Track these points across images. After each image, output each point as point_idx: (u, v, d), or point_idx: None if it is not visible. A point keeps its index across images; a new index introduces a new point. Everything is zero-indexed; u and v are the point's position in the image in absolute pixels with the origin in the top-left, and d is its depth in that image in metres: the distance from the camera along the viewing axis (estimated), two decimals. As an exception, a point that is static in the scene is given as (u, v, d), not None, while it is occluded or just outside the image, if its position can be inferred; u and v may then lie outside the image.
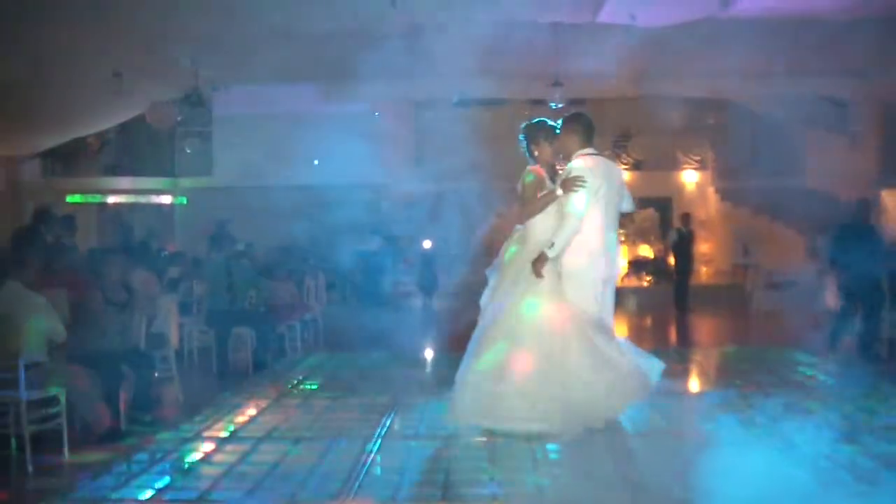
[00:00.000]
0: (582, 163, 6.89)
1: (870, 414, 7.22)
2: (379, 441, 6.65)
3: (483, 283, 7.30)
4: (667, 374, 7.29)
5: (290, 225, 17.90)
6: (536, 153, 7.22)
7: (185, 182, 20.90)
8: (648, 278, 19.90)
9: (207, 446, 6.64)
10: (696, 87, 19.09)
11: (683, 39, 15.10)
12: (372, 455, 6.27)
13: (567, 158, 7.08)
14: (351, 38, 15.15)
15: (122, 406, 7.52)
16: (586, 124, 7.15)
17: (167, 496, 5.50)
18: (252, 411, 7.88)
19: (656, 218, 22.54)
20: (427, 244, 18.31)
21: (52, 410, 6.90)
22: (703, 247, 19.93)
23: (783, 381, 9.09)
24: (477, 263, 19.44)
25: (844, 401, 7.67)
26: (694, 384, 9.57)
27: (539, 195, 6.89)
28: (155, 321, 8.85)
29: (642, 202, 24.20)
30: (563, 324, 6.72)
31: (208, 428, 7.26)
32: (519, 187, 7.14)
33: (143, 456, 6.50)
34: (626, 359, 6.80)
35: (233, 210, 18.26)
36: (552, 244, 6.70)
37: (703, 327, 15.35)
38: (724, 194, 21.88)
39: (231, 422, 7.46)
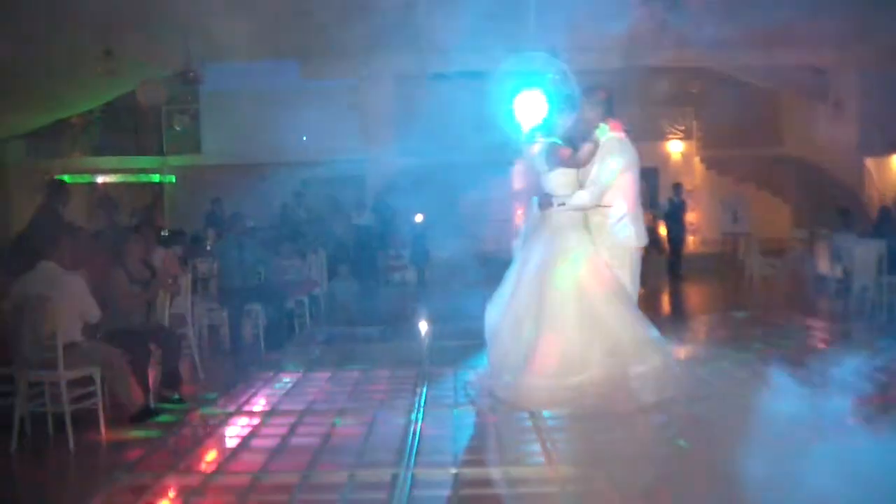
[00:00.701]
0: (618, 135, 7.02)
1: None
2: (421, 410, 6.74)
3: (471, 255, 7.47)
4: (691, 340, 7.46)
5: (280, 201, 17.90)
6: (560, 122, 7.36)
7: (174, 160, 20.77)
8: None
9: (252, 421, 6.69)
10: (680, 58, 19.19)
11: (667, 10, 15.24)
12: (419, 424, 6.36)
13: (589, 129, 7.21)
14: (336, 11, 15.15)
15: (150, 384, 7.56)
16: (608, 97, 7.30)
17: (231, 469, 5.53)
18: (287, 385, 7.93)
19: (644, 188, 22.62)
20: (418, 218, 18.33)
21: (89, 389, 6.93)
22: (690, 216, 20.12)
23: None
24: (465, 236, 19.71)
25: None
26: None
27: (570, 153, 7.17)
28: (175, 300, 8.85)
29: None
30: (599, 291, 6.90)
31: (247, 403, 7.30)
32: (540, 160, 7.27)
33: (190, 432, 6.52)
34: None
35: (223, 187, 18.27)
36: (562, 202, 7.05)
37: (702, 295, 15.53)
38: (710, 163, 22.07)
39: (269, 396, 7.51)
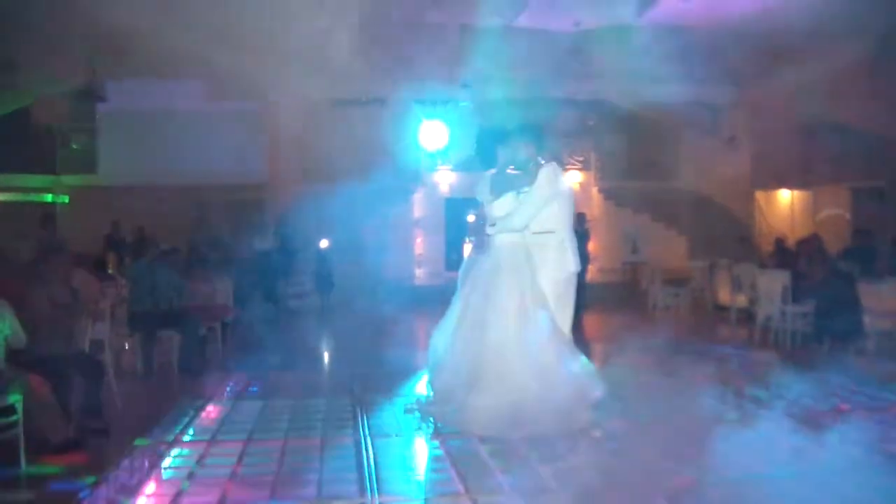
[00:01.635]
0: (551, 165, 7.32)
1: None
2: (367, 439, 6.63)
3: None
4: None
5: (178, 224, 17.49)
6: (500, 157, 7.51)
7: (68, 179, 20.03)
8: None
9: (195, 450, 6.44)
10: (580, 90, 19.65)
11: (573, 45, 15.63)
12: (369, 453, 6.24)
13: (524, 160, 7.39)
14: (246, 34, 15.03)
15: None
16: (541, 135, 7.58)
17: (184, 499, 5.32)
18: (221, 414, 7.68)
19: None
20: (323, 243, 18.17)
21: (11, 419, 6.55)
22: (590, 245, 20.47)
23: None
24: (370, 261, 19.62)
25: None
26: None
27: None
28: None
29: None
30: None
31: (183, 433, 7.03)
32: (483, 189, 7.40)
33: (129, 463, 6.22)
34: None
35: (118, 210, 17.74)
36: (493, 223, 7.31)
37: (609, 324, 15.73)
38: (607, 194, 22.51)
39: (205, 425, 7.26)
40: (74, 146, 19.54)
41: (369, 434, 6.80)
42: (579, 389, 6.98)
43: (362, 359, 10.99)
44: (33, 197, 19.92)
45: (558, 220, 7.38)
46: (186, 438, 6.83)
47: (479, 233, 7.43)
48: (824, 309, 11.55)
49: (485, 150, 7.68)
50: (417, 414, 7.35)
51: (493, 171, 7.53)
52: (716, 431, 6.33)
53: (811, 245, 13.53)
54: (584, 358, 7.24)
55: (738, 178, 20.60)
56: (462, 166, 24.32)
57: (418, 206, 23.30)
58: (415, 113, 21.90)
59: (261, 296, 16.23)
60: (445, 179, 24.19)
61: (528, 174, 7.32)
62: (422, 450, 6.43)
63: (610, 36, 15.23)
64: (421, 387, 8.46)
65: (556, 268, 7.34)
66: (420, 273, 23.01)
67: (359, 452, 6.26)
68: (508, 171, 7.48)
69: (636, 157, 21.47)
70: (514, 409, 6.58)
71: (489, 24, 13.94)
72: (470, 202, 24.69)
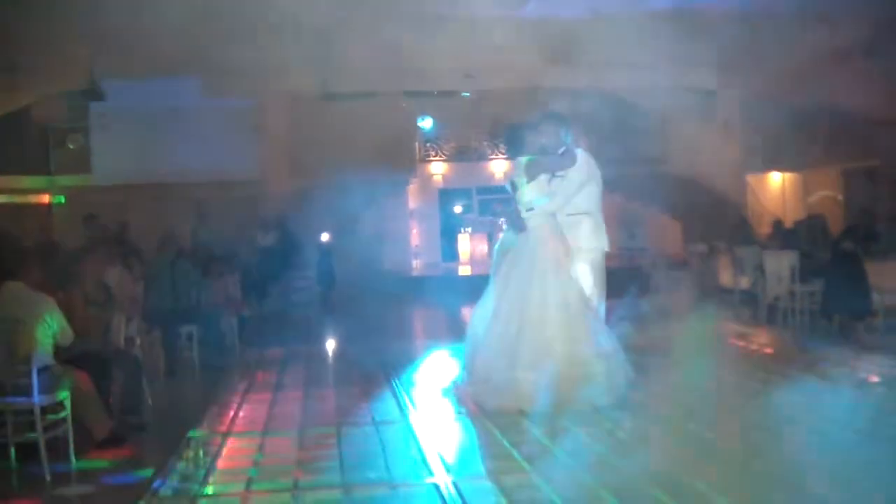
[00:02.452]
0: (585, 153, 7.58)
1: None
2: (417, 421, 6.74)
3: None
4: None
5: (175, 222, 17.44)
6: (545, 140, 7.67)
7: (63, 180, 19.93)
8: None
9: (251, 440, 6.50)
10: (570, 78, 19.73)
11: (570, 32, 15.70)
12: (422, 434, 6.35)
13: (552, 147, 7.55)
14: (233, 31, 15.04)
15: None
16: (567, 121, 7.84)
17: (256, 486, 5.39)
18: (264, 405, 7.75)
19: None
20: (324, 237, 18.21)
21: (60, 416, 6.61)
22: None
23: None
24: (368, 254, 19.70)
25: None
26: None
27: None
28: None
29: (521, 191, 24.92)
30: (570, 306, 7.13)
31: (233, 424, 7.10)
32: (518, 173, 7.54)
33: (190, 454, 6.29)
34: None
35: (114, 208, 17.67)
36: (531, 207, 7.45)
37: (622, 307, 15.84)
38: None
39: (253, 416, 7.34)
40: (71, 146, 19.45)
41: (416, 416, 6.89)
42: (612, 367, 7.13)
43: (381, 347, 11.12)
44: (31, 198, 19.84)
45: (591, 203, 7.68)
46: (238, 429, 6.88)
47: (514, 215, 7.56)
48: (833, 288, 11.75)
49: (514, 138, 7.82)
50: (457, 395, 7.48)
51: (524, 156, 7.64)
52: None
53: (814, 226, 13.73)
54: (615, 337, 7.39)
55: (729, 163, 20.78)
56: (455, 157, 24.48)
57: (413, 197, 23.40)
58: (407, 104, 22.01)
59: (263, 291, 16.33)
60: (439, 170, 24.32)
61: (562, 159, 7.46)
62: (471, 429, 6.49)
63: (604, 23, 15.28)
64: (454, 368, 8.60)
65: (590, 248, 7.64)
66: (417, 264, 23.13)
67: (412, 435, 6.34)
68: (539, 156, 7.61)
69: (628, 143, 21.58)
70: (554, 384, 6.70)
71: (493, 14, 13.97)
72: (464, 192, 24.97)
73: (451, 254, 24.41)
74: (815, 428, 5.99)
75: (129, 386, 7.63)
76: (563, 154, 7.59)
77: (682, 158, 21.33)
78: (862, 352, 9.27)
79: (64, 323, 6.90)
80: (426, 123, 21.44)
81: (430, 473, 5.41)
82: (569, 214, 7.57)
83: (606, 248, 7.71)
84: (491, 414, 6.76)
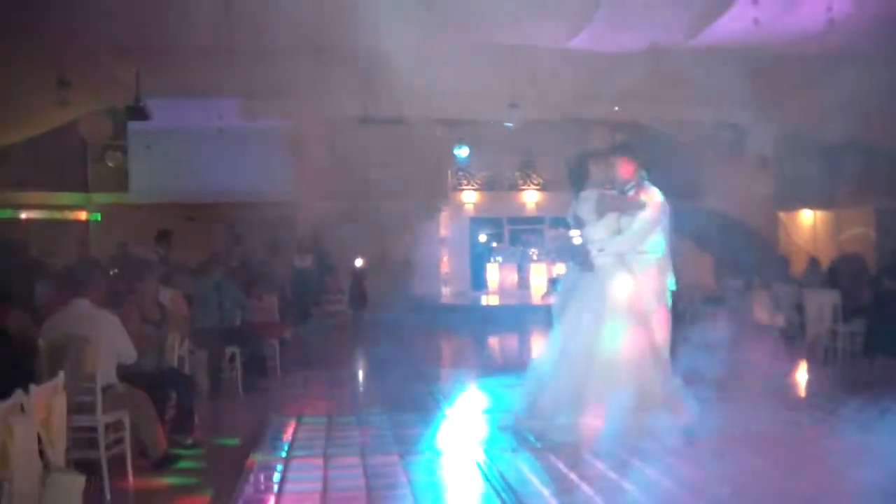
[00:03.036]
0: (657, 191, 7.40)
1: None
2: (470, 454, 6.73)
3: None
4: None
5: (211, 242, 17.53)
6: (590, 175, 7.62)
7: (100, 198, 20.09)
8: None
9: (315, 466, 6.49)
10: (608, 111, 19.78)
11: (612, 65, 15.71)
12: (494, 467, 6.33)
13: (621, 183, 7.51)
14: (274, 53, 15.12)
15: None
16: (641, 153, 7.64)
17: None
18: (318, 429, 7.75)
19: (566, 236, 23.21)
20: (358, 262, 18.29)
21: (120, 434, 6.62)
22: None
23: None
24: (399, 279, 19.74)
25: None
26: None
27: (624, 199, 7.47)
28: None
29: (553, 222, 24.97)
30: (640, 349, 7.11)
31: (293, 447, 7.10)
32: (586, 209, 7.50)
33: (250, 478, 6.28)
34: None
35: (151, 227, 17.76)
36: (601, 248, 7.36)
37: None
38: (635, 214, 22.57)
39: (310, 440, 7.34)
40: (110, 164, 19.61)
41: (481, 448, 6.87)
42: (673, 408, 7.10)
43: (426, 374, 11.14)
44: (68, 214, 20.00)
45: (658, 242, 7.60)
46: (297, 454, 6.87)
47: (581, 253, 7.50)
48: (876, 328, 11.70)
49: (579, 168, 7.73)
50: (515, 430, 7.43)
51: (590, 190, 7.58)
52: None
53: (854, 265, 13.68)
54: (678, 379, 7.36)
55: (762, 199, 20.76)
56: (486, 186, 24.55)
57: (444, 225, 23.45)
58: (440, 132, 22.09)
59: (306, 314, 16.37)
60: (471, 199, 24.39)
61: (636, 201, 7.46)
62: (538, 465, 6.47)
63: (646, 58, 15.31)
64: (507, 401, 8.60)
65: (658, 288, 7.52)
66: (446, 292, 23.14)
67: (478, 467, 6.34)
68: (607, 191, 7.56)
69: (663, 177, 21.57)
70: (619, 422, 6.68)
71: (540, 45, 13.99)
72: (495, 221, 24.99)
73: (480, 283, 24.43)
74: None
75: (182, 406, 7.65)
76: (633, 190, 7.48)
77: (716, 193, 21.30)
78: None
79: (127, 341, 6.93)
80: (462, 152, 21.45)
81: (506, 504, 5.39)
82: (638, 253, 7.46)
83: (674, 288, 7.62)
84: (554, 449, 6.71)
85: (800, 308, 13.51)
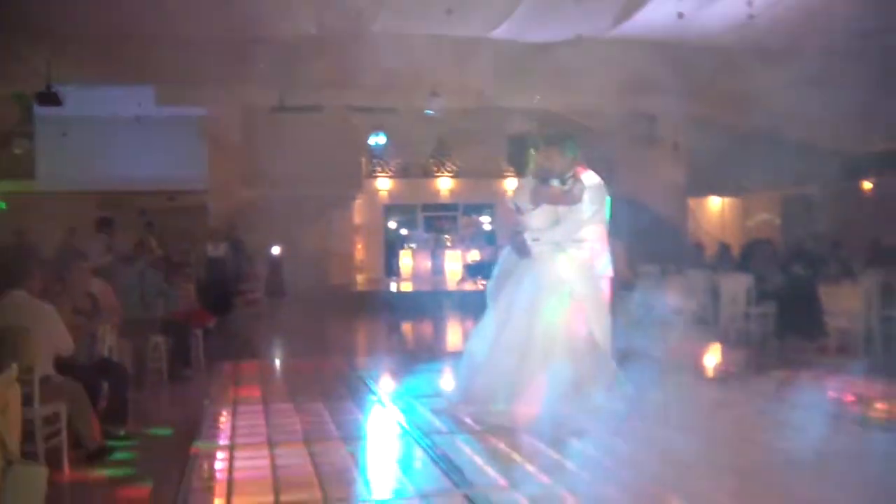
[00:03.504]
0: (594, 176, 7.54)
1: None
2: (418, 437, 6.80)
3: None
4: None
5: (124, 231, 17.19)
6: (530, 162, 7.72)
7: (4, 185, 19.47)
8: (483, 282, 20.60)
9: (260, 453, 6.46)
10: (525, 100, 20.00)
11: (529, 56, 15.93)
12: (434, 449, 6.41)
13: (558, 173, 7.61)
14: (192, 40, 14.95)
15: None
16: (576, 144, 7.80)
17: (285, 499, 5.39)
18: (256, 416, 7.72)
19: (480, 223, 23.63)
20: (275, 250, 18.15)
21: (56, 427, 6.51)
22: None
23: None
24: (314, 267, 19.66)
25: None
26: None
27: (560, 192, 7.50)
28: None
29: (467, 209, 25.17)
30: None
31: (234, 435, 7.06)
32: (523, 198, 7.60)
33: (194, 467, 6.23)
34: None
35: (57, 217, 17.37)
36: (536, 237, 7.49)
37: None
38: (546, 201, 22.89)
39: (251, 427, 7.31)
40: (16, 151, 19.05)
41: (416, 432, 6.94)
42: (608, 388, 7.28)
43: (351, 360, 11.21)
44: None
45: (596, 231, 7.69)
46: (243, 441, 6.84)
47: (519, 240, 7.61)
48: (787, 310, 12.17)
49: (518, 154, 7.85)
50: (450, 415, 7.51)
51: (529, 178, 7.68)
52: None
53: (765, 249, 14.17)
54: (613, 362, 7.54)
55: (673, 186, 21.26)
56: (401, 173, 24.61)
57: (359, 212, 23.43)
58: (355, 120, 22.06)
59: (215, 303, 16.14)
60: (385, 186, 24.41)
61: (571, 193, 7.53)
62: (476, 444, 6.56)
63: (562, 47, 15.55)
64: (439, 386, 8.70)
65: (594, 274, 7.65)
66: (361, 279, 23.14)
67: (420, 449, 6.45)
68: (543, 181, 7.64)
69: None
70: (559, 407, 6.82)
71: (463, 35, 14.09)
72: (409, 209, 25.09)
73: (394, 269, 24.52)
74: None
75: (115, 397, 7.53)
76: (571, 180, 7.57)
77: (629, 181, 21.71)
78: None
79: (65, 332, 6.81)
80: (378, 140, 21.46)
81: (457, 485, 5.46)
82: (574, 241, 7.54)
83: (610, 274, 7.74)
84: (492, 431, 6.82)
85: (713, 292, 13.92)
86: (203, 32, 14.54)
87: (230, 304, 15.58)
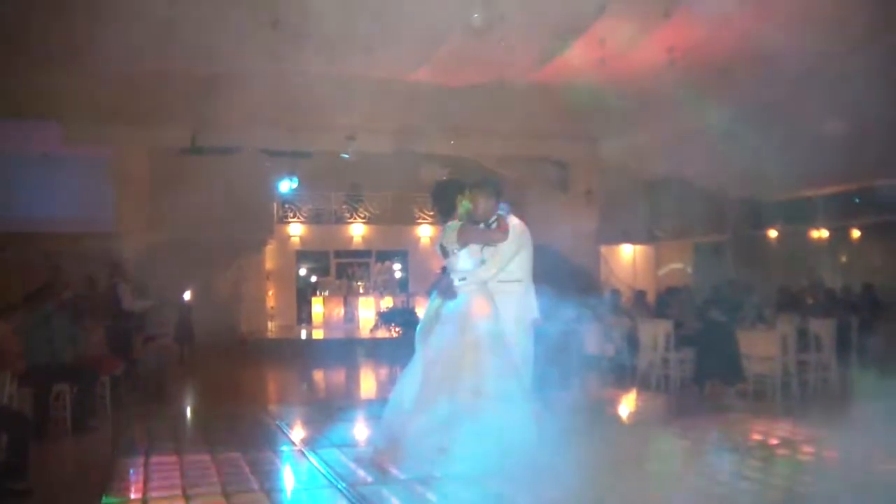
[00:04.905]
0: (518, 221, 7.63)
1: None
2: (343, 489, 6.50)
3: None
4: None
5: (25, 274, 16.47)
6: (460, 208, 7.60)
7: None
8: (398, 329, 20.31)
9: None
10: (443, 145, 19.98)
11: (446, 100, 15.93)
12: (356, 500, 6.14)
13: (483, 217, 7.55)
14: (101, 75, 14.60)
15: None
16: (500, 188, 7.84)
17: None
18: (172, 468, 7.29)
19: (392, 270, 23.49)
20: (186, 295, 17.62)
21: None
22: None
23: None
24: (225, 313, 19.18)
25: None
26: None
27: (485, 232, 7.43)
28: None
29: (380, 255, 24.94)
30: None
31: (147, 488, 6.63)
32: (450, 240, 7.46)
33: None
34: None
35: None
36: (463, 277, 7.34)
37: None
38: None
39: (164, 480, 6.89)
40: (-89, 190, 18.18)
41: (345, 485, 6.64)
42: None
43: (266, 408, 10.85)
44: None
45: (522, 270, 7.66)
46: (157, 495, 6.43)
47: (445, 283, 7.49)
48: (705, 355, 12.24)
49: (444, 199, 7.72)
50: (376, 463, 7.24)
51: (454, 221, 7.55)
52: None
53: (682, 296, 14.29)
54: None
55: (585, 234, 21.39)
56: (314, 219, 24.31)
57: (270, 258, 23.03)
58: (265, 164, 21.73)
59: (129, 348, 15.55)
60: (297, 231, 24.07)
61: (495, 232, 7.46)
62: (402, 496, 6.30)
63: (480, 92, 15.58)
64: (368, 435, 8.44)
65: (520, 315, 7.52)
66: (272, 326, 22.68)
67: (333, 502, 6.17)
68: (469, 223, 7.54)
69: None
70: (497, 450, 6.61)
71: (380, 76, 13.96)
72: (321, 255, 24.79)
73: (306, 316, 24.14)
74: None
75: (14, 447, 7.06)
76: (495, 223, 7.52)
77: (540, 228, 21.77)
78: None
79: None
80: (290, 185, 21.11)
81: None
82: (500, 282, 7.47)
83: (536, 316, 7.63)
84: (421, 481, 6.56)
85: (629, 338, 13.96)
86: (113, 67, 14.13)
87: (134, 350, 14.95)
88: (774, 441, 8.37)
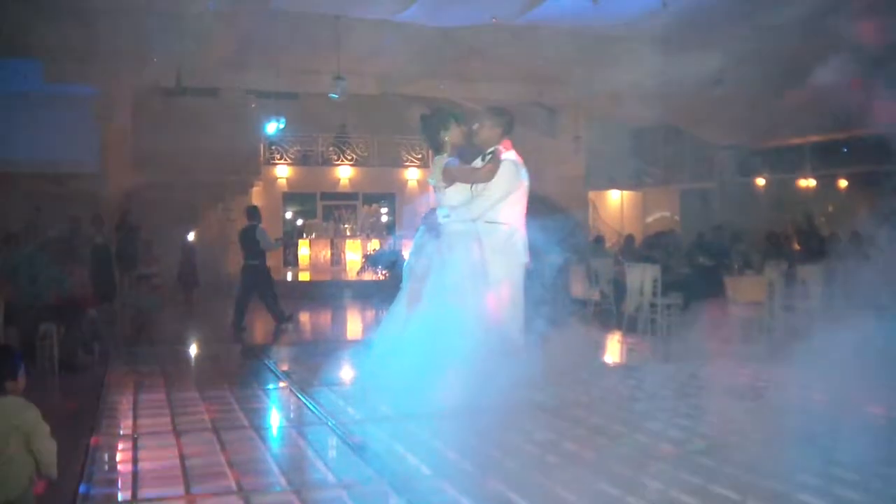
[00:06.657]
0: (514, 156, 7.25)
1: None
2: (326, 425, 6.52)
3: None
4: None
5: (6, 216, 16.36)
6: (447, 137, 7.46)
7: None
8: (384, 272, 20.32)
9: (166, 443, 6.08)
10: (426, 88, 19.83)
11: (435, 41, 15.75)
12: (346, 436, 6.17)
13: (486, 147, 7.41)
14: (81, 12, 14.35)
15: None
16: (510, 120, 7.51)
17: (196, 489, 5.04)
18: (160, 408, 7.28)
19: (380, 212, 23.46)
20: (190, 237, 17.57)
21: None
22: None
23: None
24: (212, 254, 19.10)
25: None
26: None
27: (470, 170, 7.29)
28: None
29: (366, 198, 24.87)
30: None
31: (137, 426, 6.63)
32: (437, 175, 7.36)
33: (99, 457, 5.83)
34: None
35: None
36: (447, 214, 7.36)
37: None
38: (446, 192, 22.86)
39: (156, 417, 6.91)
40: None
41: (326, 419, 6.67)
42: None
43: (254, 348, 10.89)
44: None
45: (514, 212, 7.36)
46: (147, 431, 6.43)
47: (433, 219, 7.41)
48: (692, 300, 12.27)
49: (429, 133, 7.58)
50: (362, 399, 7.25)
51: (445, 156, 7.44)
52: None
53: (669, 241, 14.31)
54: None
55: (574, 179, 21.38)
56: (301, 160, 24.17)
57: (257, 199, 22.90)
58: (252, 105, 21.57)
59: (113, 288, 15.52)
60: (284, 174, 23.95)
61: (481, 171, 7.26)
62: (392, 432, 6.30)
63: (470, 33, 15.41)
64: (355, 374, 8.43)
65: (506, 259, 7.32)
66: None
67: (336, 435, 6.21)
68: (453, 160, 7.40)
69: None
70: (480, 381, 6.61)
71: (369, 16, 13.76)
72: (308, 197, 24.68)
73: (293, 259, 24.11)
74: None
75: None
76: (490, 157, 7.30)
77: (528, 172, 21.75)
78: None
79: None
80: (275, 127, 20.92)
81: (380, 473, 5.21)
82: (487, 222, 7.24)
83: (524, 261, 7.41)
84: (411, 416, 6.57)
85: (615, 283, 14.00)
86: (95, 3, 13.89)
87: (114, 291, 14.89)
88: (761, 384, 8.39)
